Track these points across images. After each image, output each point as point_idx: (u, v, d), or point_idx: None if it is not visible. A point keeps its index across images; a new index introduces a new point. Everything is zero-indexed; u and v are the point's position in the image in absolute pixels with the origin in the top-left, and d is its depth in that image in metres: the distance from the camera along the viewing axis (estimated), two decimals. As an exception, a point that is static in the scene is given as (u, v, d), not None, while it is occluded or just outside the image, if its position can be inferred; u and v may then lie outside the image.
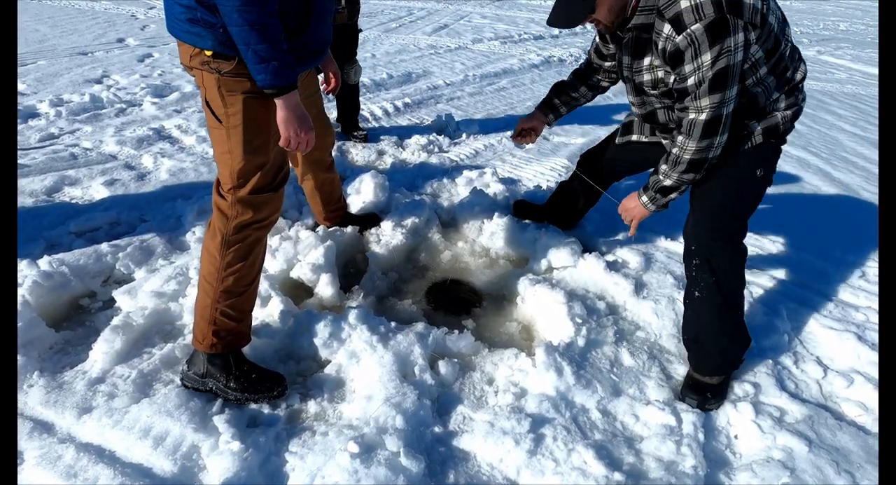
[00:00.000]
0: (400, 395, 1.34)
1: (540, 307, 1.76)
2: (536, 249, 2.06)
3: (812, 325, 1.82)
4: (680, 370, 1.60)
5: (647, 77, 1.46)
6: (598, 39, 1.71)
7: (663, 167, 1.47)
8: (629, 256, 2.05)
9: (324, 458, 1.19)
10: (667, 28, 1.27)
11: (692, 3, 1.23)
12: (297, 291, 1.81)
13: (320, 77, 1.70)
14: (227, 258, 1.25)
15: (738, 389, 1.53)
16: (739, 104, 1.37)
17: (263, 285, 1.69)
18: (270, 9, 1.03)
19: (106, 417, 1.26)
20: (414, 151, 2.97)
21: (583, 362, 1.54)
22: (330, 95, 3.23)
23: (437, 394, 1.44)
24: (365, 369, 1.44)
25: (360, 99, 3.70)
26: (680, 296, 1.88)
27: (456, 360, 1.54)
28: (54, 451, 1.19)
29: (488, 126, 3.48)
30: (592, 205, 2.20)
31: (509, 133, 3.37)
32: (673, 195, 1.51)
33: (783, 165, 3.27)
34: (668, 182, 1.47)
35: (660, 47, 1.32)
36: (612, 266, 2.00)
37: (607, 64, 1.75)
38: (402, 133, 3.21)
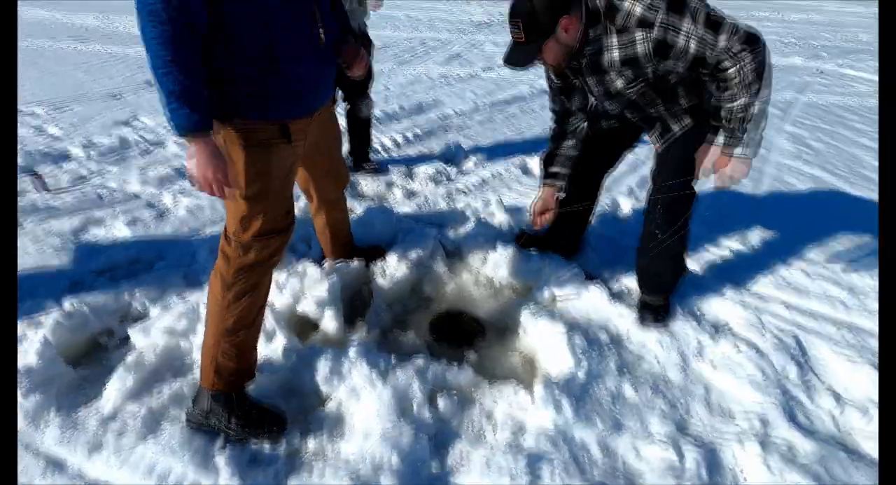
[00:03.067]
0: (397, 431, 1.36)
1: (541, 339, 1.76)
2: (540, 279, 2.07)
3: (824, 352, 1.77)
4: (686, 405, 1.57)
5: (619, 83, 1.58)
6: (553, 79, 1.79)
7: (740, 102, 1.46)
8: (634, 285, 2.03)
9: (319, 497, 1.21)
10: (639, 34, 1.44)
11: (644, 4, 1.40)
12: (303, 326, 1.85)
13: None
14: (228, 299, 1.31)
15: (744, 422, 1.49)
16: (698, 76, 1.54)
17: (269, 321, 1.74)
18: (167, 51, 1.05)
19: (114, 455, 1.32)
20: (422, 182, 3.04)
21: (583, 396, 1.53)
22: (343, 129, 3.35)
23: (436, 430, 1.44)
24: (364, 405, 1.47)
25: (373, 131, 3.82)
26: (686, 325, 1.85)
27: (455, 394, 1.55)
28: (65, 489, 1.24)
29: (497, 154, 3.53)
30: (587, 221, 2.22)
31: (516, 160, 3.44)
32: (763, 127, 1.52)
33: (797, 184, 3.21)
34: (757, 107, 1.46)
35: (639, 52, 1.47)
36: (616, 296, 1.99)
37: (576, 102, 1.80)
38: (412, 163, 3.29)
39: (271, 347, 1.65)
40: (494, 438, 1.42)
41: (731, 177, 1.63)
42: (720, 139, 1.61)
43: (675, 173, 1.73)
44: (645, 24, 1.42)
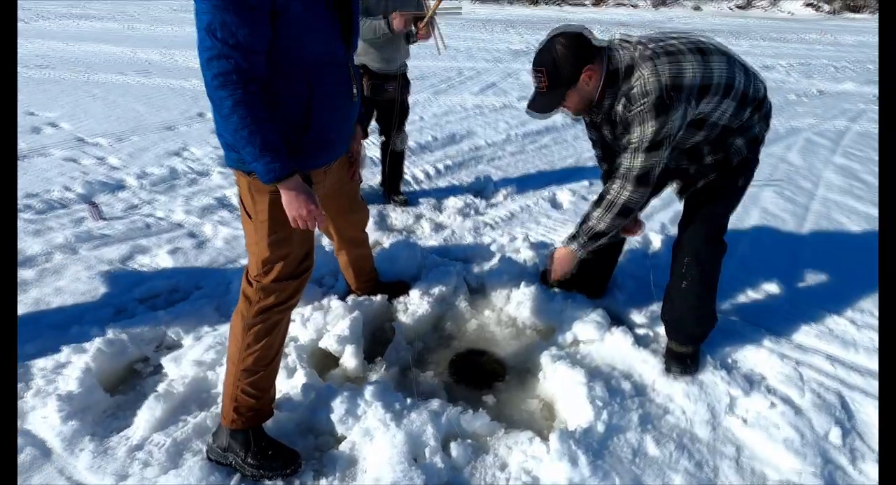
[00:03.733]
0: (407, 480, 1.35)
1: (561, 385, 1.72)
2: (562, 321, 2.03)
3: (872, 414, 1.64)
4: (714, 465, 1.48)
5: (623, 141, 1.60)
6: (594, 136, 1.86)
7: (597, 212, 1.64)
8: (661, 329, 1.96)
9: (326, 544, 1.21)
10: (621, 106, 1.53)
11: (641, 87, 1.46)
12: (324, 360, 1.89)
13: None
14: (248, 339, 1.36)
15: (779, 491, 1.39)
16: (719, 130, 1.61)
17: (291, 356, 1.79)
18: (250, 114, 1.13)
19: (138, 486, 1.37)
20: (450, 215, 3.07)
21: (601, 451, 1.48)
22: (377, 160, 3.46)
23: (448, 478, 1.43)
24: (377, 447, 1.47)
25: (406, 162, 3.92)
26: (717, 377, 1.77)
27: (470, 441, 1.53)
28: (91, 518, 1.30)
29: (527, 186, 3.54)
30: (614, 263, 2.19)
31: (546, 193, 3.42)
32: (602, 241, 1.70)
33: (846, 222, 3.03)
34: (601, 227, 1.64)
35: (618, 118, 1.57)
36: (642, 341, 1.93)
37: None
38: (441, 195, 3.34)
39: (291, 383, 1.69)
40: (507, 490, 1.39)
41: (558, 261, 1.80)
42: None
43: (701, 226, 1.71)
44: (630, 100, 1.49)
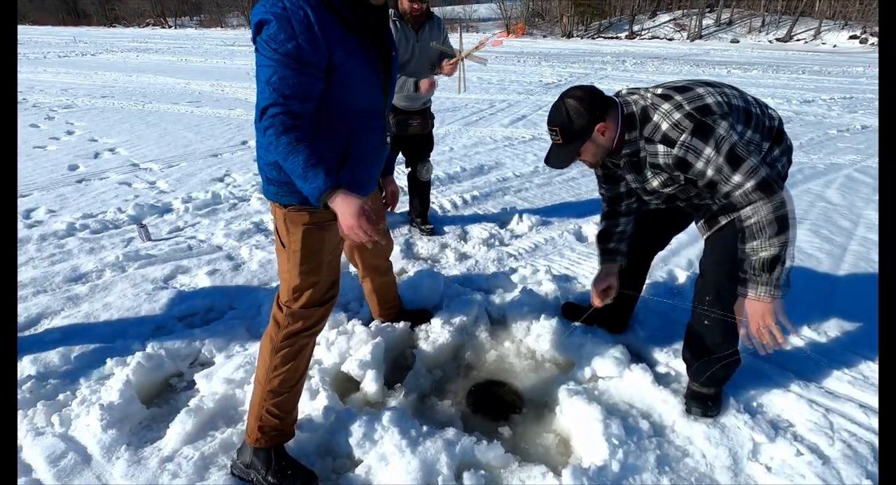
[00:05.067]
0: (419, 507, 1.38)
1: (577, 421, 1.72)
2: (582, 356, 2.04)
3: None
4: (732, 512, 1.44)
5: (655, 182, 1.62)
6: (601, 172, 1.86)
7: (752, 244, 1.45)
8: (683, 368, 1.94)
9: (338, 566, 1.24)
10: (661, 148, 1.50)
11: (671, 122, 1.46)
12: (346, 384, 1.95)
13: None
14: (276, 362, 1.44)
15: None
16: None
17: (315, 379, 1.86)
18: (296, 138, 1.19)
19: (166, 496, 1.45)
20: (475, 245, 3.14)
21: (615, 491, 1.46)
22: (405, 190, 3.58)
23: (459, 509, 1.44)
24: (392, 472, 1.51)
25: (434, 192, 4.04)
26: (740, 420, 1.73)
27: (483, 472, 1.55)
28: (121, 524, 1.38)
29: (552, 218, 3.58)
30: (636, 299, 2.17)
31: (571, 226, 3.45)
32: (782, 268, 1.46)
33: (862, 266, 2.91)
34: (769, 252, 1.44)
35: (661, 162, 1.53)
36: (662, 379, 1.91)
37: (624, 187, 1.85)
38: (467, 225, 3.42)
39: (313, 404, 1.76)
40: (517, 525, 1.39)
41: (755, 318, 1.50)
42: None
43: (722, 264, 1.69)
44: (667, 141, 1.47)
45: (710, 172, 1.44)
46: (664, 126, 1.47)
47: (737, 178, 1.42)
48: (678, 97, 1.49)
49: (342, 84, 1.28)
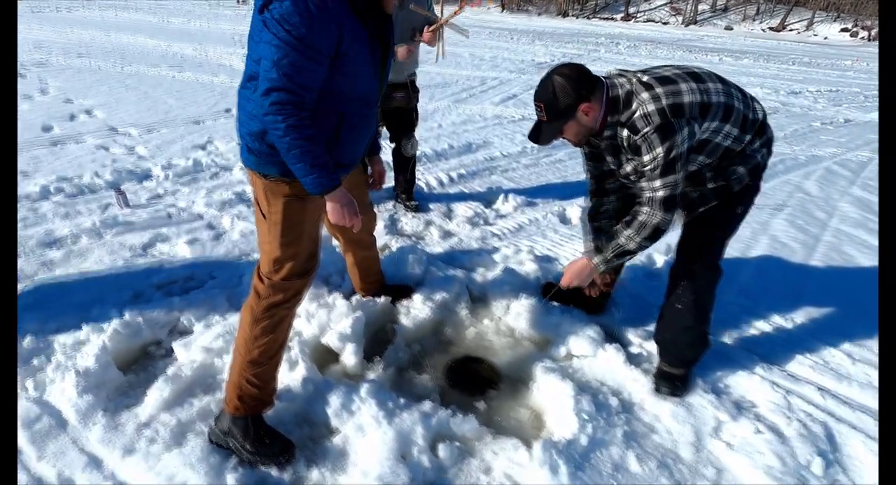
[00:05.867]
0: (393, 475, 1.42)
1: (550, 397, 1.77)
2: (558, 334, 2.08)
3: (857, 447, 1.66)
4: None
5: (629, 168, 1.66)
6: (587, 150, 1.88)
7: (627, 232, 1.66)
8: (655, 349, 2.00)
9: (312, 529, 1.28)
10: (625, 133, 1.57)
11: (643, 112, 1.52)
12: (325, 356, 1.97)
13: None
14: (256, 332, 1.45)
15: (754, 515, 1.42)
16: (720, 155, 1.64)
17: (294, 350, 1.87)
18: (301, 135, 1.24)
19: (143, 461, 1.47)
20: (459, 223, 3.14)
21: (583, 463, 1.52)
22: (390, 165, 3.55)
23: (433, 478, 1.49)
24: (368, 442, 1.54)
25: (420, 169, 4.00)
26: (705, 400, 1.80)
27: (458, 444, 1.59)
28: (97, 487, 1.39)
29: (537, 199, 3.59)
30: (615, 280, 2.24)
31: (555, 207, 3.48)
32: (627, 259, 1.77)
33: (856, 256, 3.01)
34: (630, 246, 1.67)
35: (624, 145, 1.61)
36: (634, 359, 1.97)
37: (607, 166, 1.85)
38: (452, 203, 3.42)
39: (292, 375, 1.78)
40: (488, 493, 1.44)
41: (574, 273, 1.79)
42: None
43: (698, 251, 1.75)
44: (633, 129, 1.54)
45: (647, 167, 1.56)
46: (636, 114, 1.52)
47: (657, 183, 1.56)
48: (659, 89, 1.52)
49: (343, 70, 1.29)
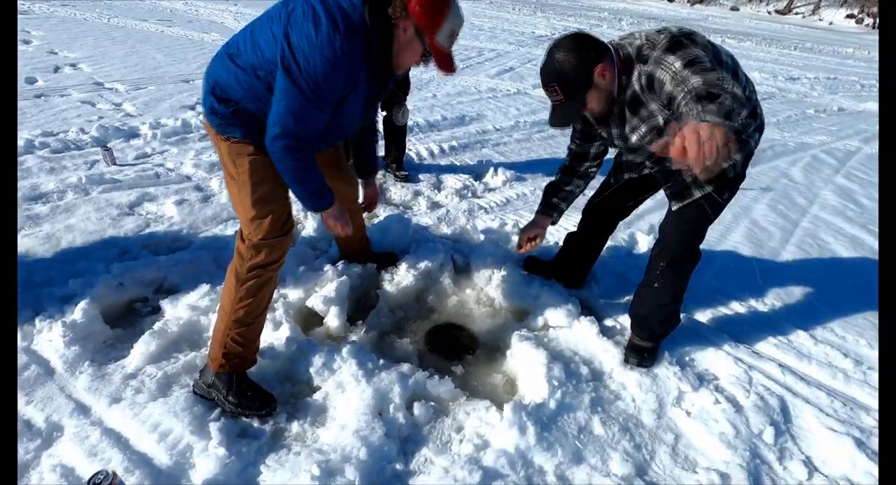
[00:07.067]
0: (369, 429, 1.49)
1: (524, 364, 1.85)
2: (537, 306, 2.15)
3: (809, 420, 1.76)
4: (651, 449, 1.62)
5: (634, 138, 1.60)
6: (580, 127, 1.85)
7: (711, 106, 1.13)
8: (628, 323, 2.08)
9: (290, 475, 1.36)
10: (637, 69, 1.45)
11: (646, 41, 1.44)
12: (309, 318, 2.02)
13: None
14: (241, 293, 1.48)
15: (705, 477, 1.53)
16: None
17: (279, 311, 1.92)
18: (304, 168, 1.40)
19: (129, 408, 1.52)
20: (448, 195, 3.17)
21: (550, 424, 1.61)
22: (380, 134, 3.53)
23: (407, 433, 1.57)
24: (347, 399, 1.61)
25: (412, 138, 3.98)
26: (670, 371, 1.89)
27: (433, 403, 1.67)
28: (85, 431, 1.46)
29: (526, 174, 3.61)
30: (595, 259, 2.29)
31: (543, 183, 3.48)
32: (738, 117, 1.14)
33: (831, 242, 3.10)
34: (727, 105, 1.13)
35: (643, 83, 1.46)
36: (608, 332, 2.05)
37: (594, 149, 1.88)
38: (442, 174, 3.43)
39: (276, 334, 1.83)
40: (458, 449, 1.53)
41: (705, 141, 1.03)
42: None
43: (683, 235, 1.76)
44: (640, 57, 1.44)
45: (669, 86, 1.32)
46: (639, 43, 1.44)
47: (694, 81, 1.23)
48: (674, 29, 1.43)
49: (340, 112, 1.42)
